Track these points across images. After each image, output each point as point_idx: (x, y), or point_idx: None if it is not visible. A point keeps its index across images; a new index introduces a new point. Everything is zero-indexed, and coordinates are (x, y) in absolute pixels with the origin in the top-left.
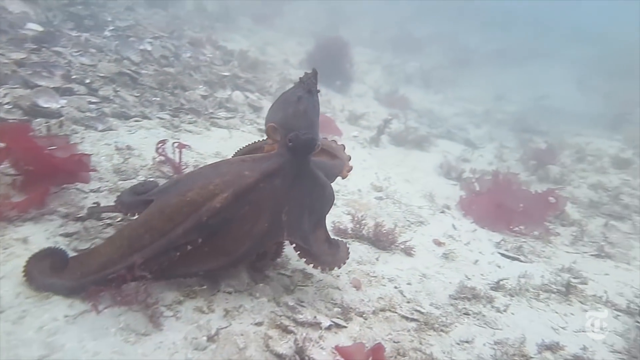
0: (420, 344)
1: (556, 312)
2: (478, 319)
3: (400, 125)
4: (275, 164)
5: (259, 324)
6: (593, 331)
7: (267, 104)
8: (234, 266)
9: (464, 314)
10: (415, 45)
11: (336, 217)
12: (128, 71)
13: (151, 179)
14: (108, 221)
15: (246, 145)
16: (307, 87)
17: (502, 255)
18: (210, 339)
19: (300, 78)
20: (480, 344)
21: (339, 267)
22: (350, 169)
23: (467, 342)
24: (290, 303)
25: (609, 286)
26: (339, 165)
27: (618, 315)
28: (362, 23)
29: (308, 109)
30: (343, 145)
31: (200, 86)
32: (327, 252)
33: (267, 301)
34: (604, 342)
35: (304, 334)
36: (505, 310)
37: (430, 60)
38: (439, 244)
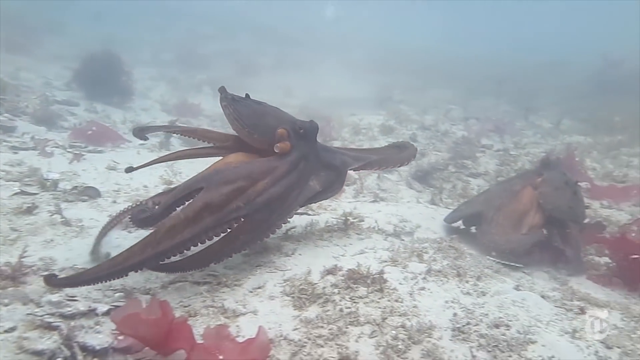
0: (213, 301)
1: (337, 245)
2: (269, 267)
3: None
4: (297, 157)
5: (11, 329)
6: (367, 251)
7: (21, 123)
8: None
9: (257, 266)
10: (202, 61)
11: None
12: None
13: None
14: None
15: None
16: (238, 98)
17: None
18: None
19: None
20: (271, 285)
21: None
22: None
23: (259, 287)
24: (55, 299)
25: (380, 219)
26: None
27: (387, 237)
28: (141, 47)
29: (272, 108)
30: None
31: None
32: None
33: (22, 305)
34: (374, 258)
35: (73, 324)
36: (293, 254)
37: (218, 73)
38: None
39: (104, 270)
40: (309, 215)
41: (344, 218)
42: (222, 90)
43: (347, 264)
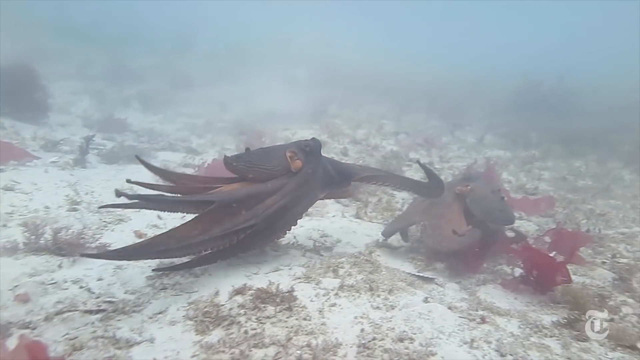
0: (105, 330)
1: (251, 263)
2: (175, 289)
3: (115, 144)
4: (307, 171)
5: None
6: (282, 268)
7: None
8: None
9: (161, 289)
10: (133, 76)
11: (6, 238)
12: None
13: None
14: None
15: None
16: (241, 154)
17: None
18: None
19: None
20: (174, 310)
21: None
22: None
23: (160, 312)
24: None
25: (301, 234)
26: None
27: (306, 253)
28: (65, 60)
29: (272, 146)
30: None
31: None
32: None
33: None
34: (288, 275)
35: None
36: (202, 274)
37: (150, 87)
38: (140, 235)
39: (131, 250)
40: None
41: None
42: (226, 157)
43: (258, 283)
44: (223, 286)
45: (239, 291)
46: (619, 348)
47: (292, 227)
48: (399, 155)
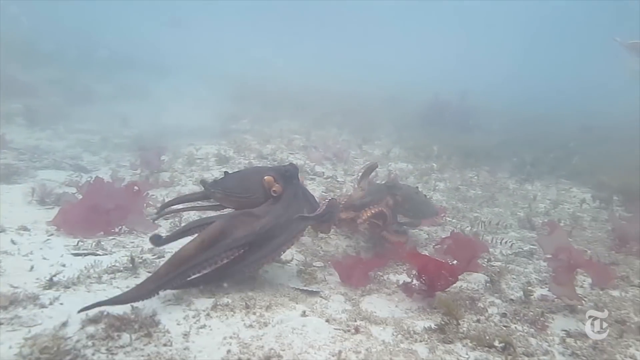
0: None
1: (117, 288)
2: (12, 324)
3: None
4: (289, 195)
5: None
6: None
7: None
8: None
9: None
10: (22, 89)
11: None
12: None
13: None
14: None
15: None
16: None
17: (75, 254)
18: None
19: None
20: (5, 348)
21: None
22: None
23: None
24: None
25: None
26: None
27: None
28: None
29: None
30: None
31: None
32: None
33: None
34: (158, 297)
35: None
36: (51, 304)
37: (41, 101)
38: None
39: (136, 291)
40: (97, 255)
41: (139, 257)
42: (203, 182)
43: (118, 309)
44: (75, 316)
45: (93, 320)
46: (479, 348)
47: (290, 245)
48: (303, 169)
